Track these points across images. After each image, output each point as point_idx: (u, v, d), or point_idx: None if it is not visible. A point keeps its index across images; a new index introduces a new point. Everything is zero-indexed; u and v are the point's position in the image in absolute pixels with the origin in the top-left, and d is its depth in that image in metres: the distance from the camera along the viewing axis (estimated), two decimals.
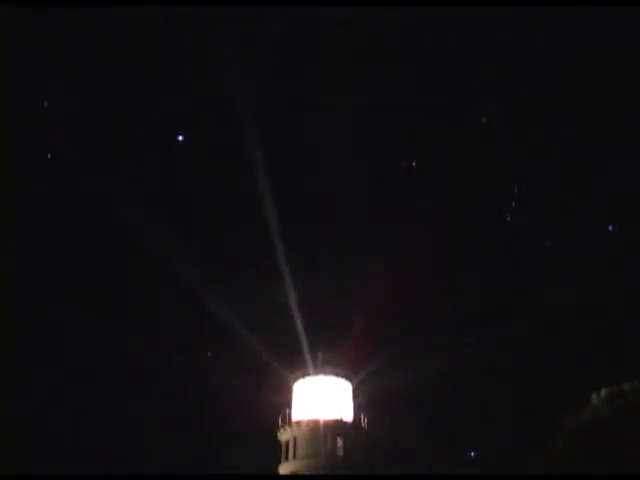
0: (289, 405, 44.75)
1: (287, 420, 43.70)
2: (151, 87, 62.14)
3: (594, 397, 31.62)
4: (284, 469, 42.19)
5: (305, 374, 44.99)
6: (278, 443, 43.71)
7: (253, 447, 48.33)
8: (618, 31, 52.28)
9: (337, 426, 42.59)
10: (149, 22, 51.71)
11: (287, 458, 42.41)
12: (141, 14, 50.01)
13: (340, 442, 42.13)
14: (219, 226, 71.60)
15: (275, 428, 43.98)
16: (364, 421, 44.19)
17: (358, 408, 44.82)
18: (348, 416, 43.89)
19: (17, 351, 54.63)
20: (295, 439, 42.52)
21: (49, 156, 57.05)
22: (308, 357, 44.91)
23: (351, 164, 64.52)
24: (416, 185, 66.58)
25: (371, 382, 45.58)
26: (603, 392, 31.48)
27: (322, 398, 43.81)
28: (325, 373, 44.90)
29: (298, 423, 42.87)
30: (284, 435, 43.29)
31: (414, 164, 64.20)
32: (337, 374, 44.94)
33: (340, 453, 41.86)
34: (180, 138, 61.18)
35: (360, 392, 45.49)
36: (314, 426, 42.27)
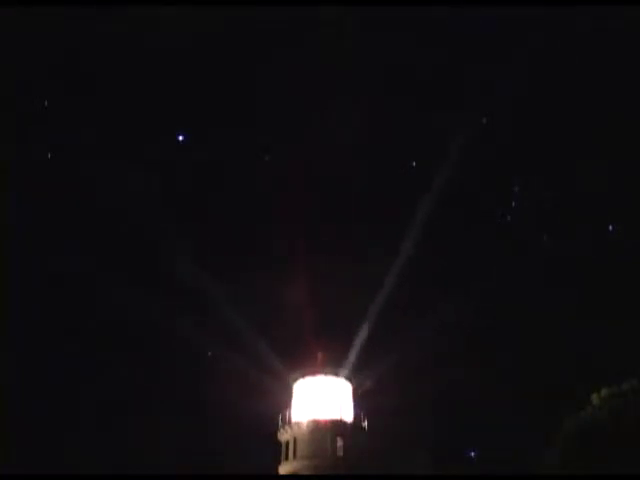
0: (289, 405, 44.78)
1: (287, 420, 43.74)
2: (151, 87, 62.14)
3: (594, 397, 31.59)
4: (284, 469, 42.21)
5: (305, 374, 45.05)
6: (278, 443, 43.77)
7: (253, 447, 48.42)
8: (618, 31, 52.31)
9: (337, 426, 42.59)
10: (149, 22, 51.72)
11: (287, 458, 42.42)
12: (142, 13, 50.08)
13: (340, 442, 42.11)
14: (219, 226, 71.56)
15: (275, 428, 44.03)
16: (364, 421, 44.20)
17: (358, 408, 44.84)
18: (348, 416, 43.90)
19: (16, 350, 54.65)
20: (295, 439, 42.52)
21: (49, 156, 57.09)
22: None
23: (350, 164, 64.53)
24: (416, 185, 66.56)
25: (370, 382, 45.65)
26: (603, 392, 31.44)
27: (322, 398, 43.83)
28: (325, 373, 44.93)
29: (298, 423, 42.89)
30: (284, 435, 43.31)
31: (414, 164, 64.32)
32: (337, 374, 44.96)
33: (340, 453, 41.83)
34: (180, 138, 61.19)
35: (358, 391, 45.55)
36: (314, 426, 42.29)
